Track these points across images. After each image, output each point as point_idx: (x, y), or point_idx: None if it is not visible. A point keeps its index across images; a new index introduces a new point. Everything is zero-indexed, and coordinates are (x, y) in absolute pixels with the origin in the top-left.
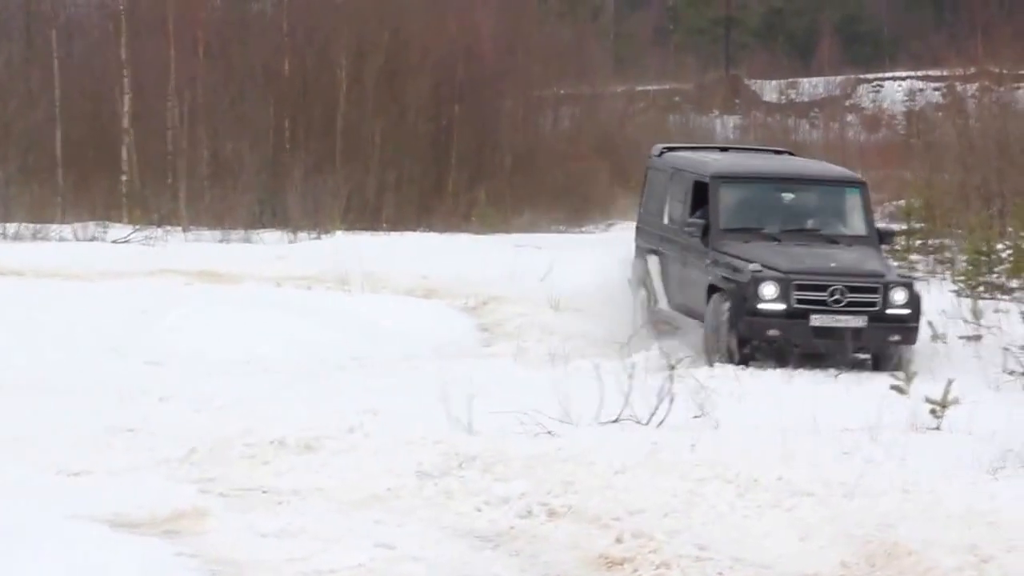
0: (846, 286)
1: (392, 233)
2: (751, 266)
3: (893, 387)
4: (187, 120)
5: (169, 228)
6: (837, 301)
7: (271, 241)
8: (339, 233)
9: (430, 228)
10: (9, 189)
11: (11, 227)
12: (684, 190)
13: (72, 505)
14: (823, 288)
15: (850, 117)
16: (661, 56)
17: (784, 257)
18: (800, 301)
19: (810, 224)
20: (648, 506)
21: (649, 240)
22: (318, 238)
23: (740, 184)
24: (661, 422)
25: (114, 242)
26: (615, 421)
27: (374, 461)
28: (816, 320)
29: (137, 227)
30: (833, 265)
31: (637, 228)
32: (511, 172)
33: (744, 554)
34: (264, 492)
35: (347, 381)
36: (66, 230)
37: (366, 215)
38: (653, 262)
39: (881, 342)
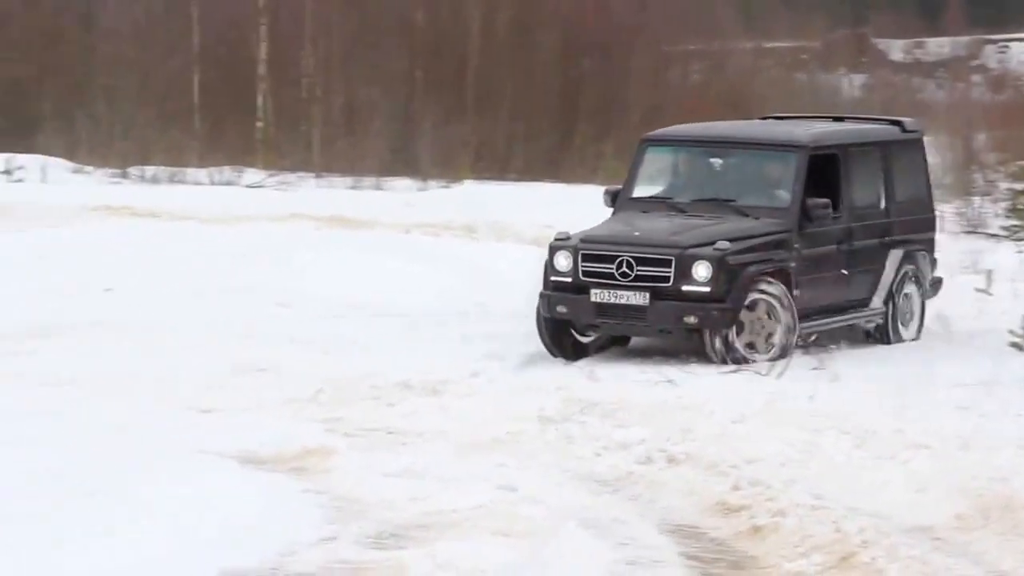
0: (633, 258)
1: (519, 183)
2: (557, 235)
3: (1011, 344)
4: (322, 68)
5: (302, 174)
6: (624, 275)
7: (401, 189)
8: (468, 182)
9: (557, 180)
10: (148, 133)
11: (149, 170)
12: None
13: (202, 441)
14: (610, 259)
15: (976, 78)
16: (789, 13)
17: (629, 227)
18: (586, 274)
19: (728, 194)
20: (765, 455)
21: None
22: (447, 187)
23: (666, 147)
24: (781, 373)
25: (248, 187)
26: (735, 371)
27: (496, 405)
28: (596, 295)
29: (271, 172)
30: (637, 235)
31: None
32: (639, 127)
33: (859, 504)
34: (388, 433)
35: (471, 327)
36: (201, 174)
37: (494, 165)
38: None
39: (672, 324)
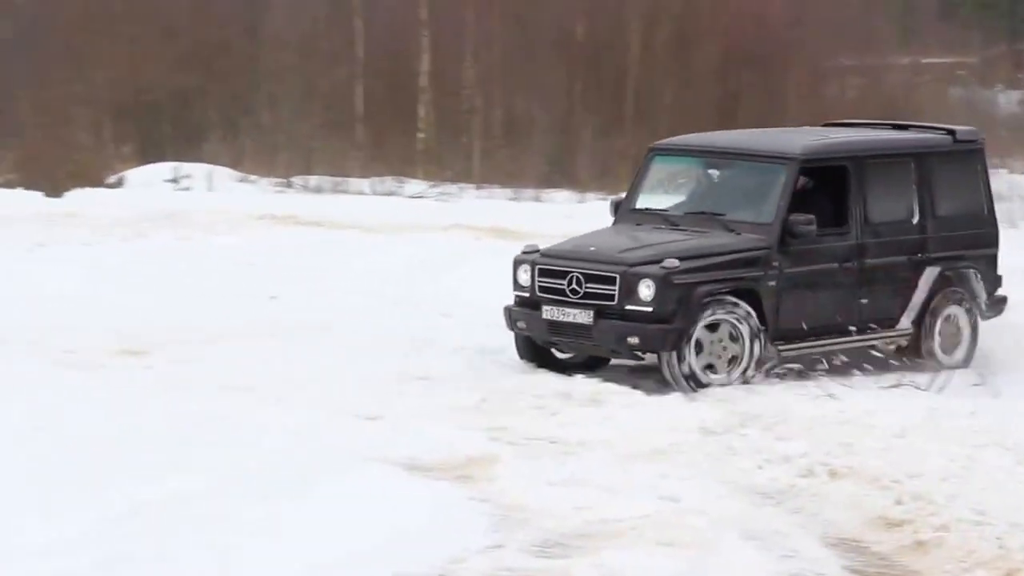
0: (582, 274)
1: None
2: (525, 247)
3: None
4: (482, 80)
5: (462, 185)
6: (574, 291)
7: (560, 200)
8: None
9: None
10: (311, 143)
11: (312, 179)
12: None
13: (369, 447)
14: (562, 275)
15: None
16: (946, 29)
17: (592, 242)
18: (542, 289)
19: (719, 208)
20: (927, 470)
21: None
22: (605, 199)
23: (673, 157)
24: (942, 388)
25: (411, 197)
26: (895, 386)
27: (657, 416)
28: (548, 312)
29: (432, 183)
30: (592, 250)
31: None
32: None
33: (1022, 520)
34: (551, 442)
35: None
36: (364, 184)
37: None
38: None
39: (616, 344)
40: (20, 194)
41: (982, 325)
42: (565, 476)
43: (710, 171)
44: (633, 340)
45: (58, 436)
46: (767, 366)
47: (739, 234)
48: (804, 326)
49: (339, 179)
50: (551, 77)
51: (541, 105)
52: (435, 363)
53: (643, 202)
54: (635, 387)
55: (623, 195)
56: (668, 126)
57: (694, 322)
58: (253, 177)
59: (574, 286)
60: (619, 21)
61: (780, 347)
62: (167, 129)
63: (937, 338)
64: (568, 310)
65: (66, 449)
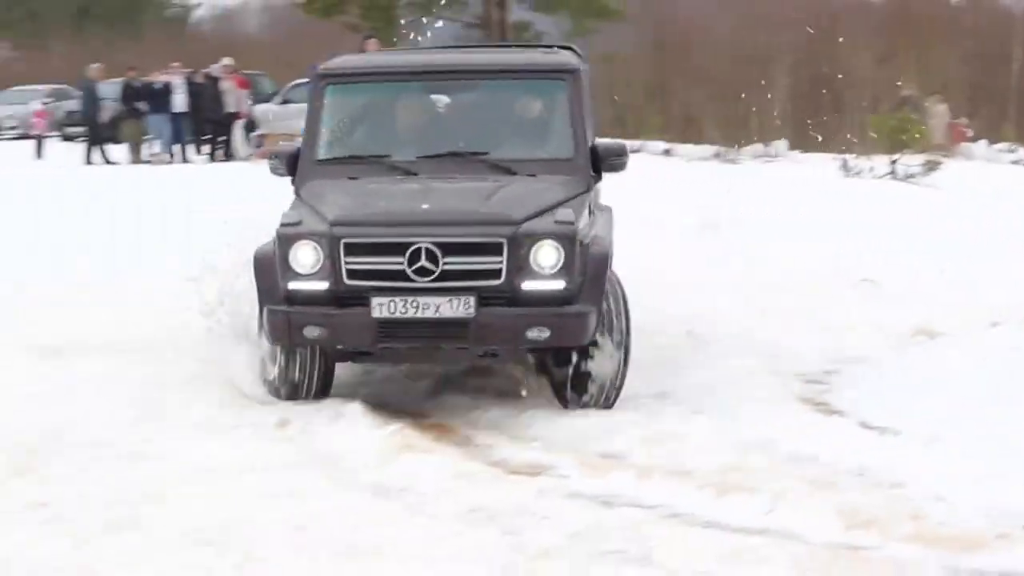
0: (437, 243)
1: None
2: (285, 216)
3: None
4: None
5: None
6: (423, 272)
7: None
8: None
9: None
10: None
11: None
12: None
13: None
14: (398, 248)
15: None
16: None
17: (358, 199)
18: (356, 274)
19: (472, 145)
20: None
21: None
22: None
23: (357, 85)
24: None
25: None
26: None
27: None
28: (379, 307)
29: None
30: (426, 207)
31: None
32: None
33: None
34: None
35: None
36: None
37: None
38: None
39: (511, 343)
40: None
41: None
42: None
43: (434, 98)
44: (540, 334)
45: None
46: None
47: (531, 176)
48: None
49: None
50: None
51: None
52: None
53: (328, 151)
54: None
55: (290, 145)
56: None
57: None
58: None
59: (423, 263)
60: None
61: None
62: None
63: None
64: (421, 299)
65: None
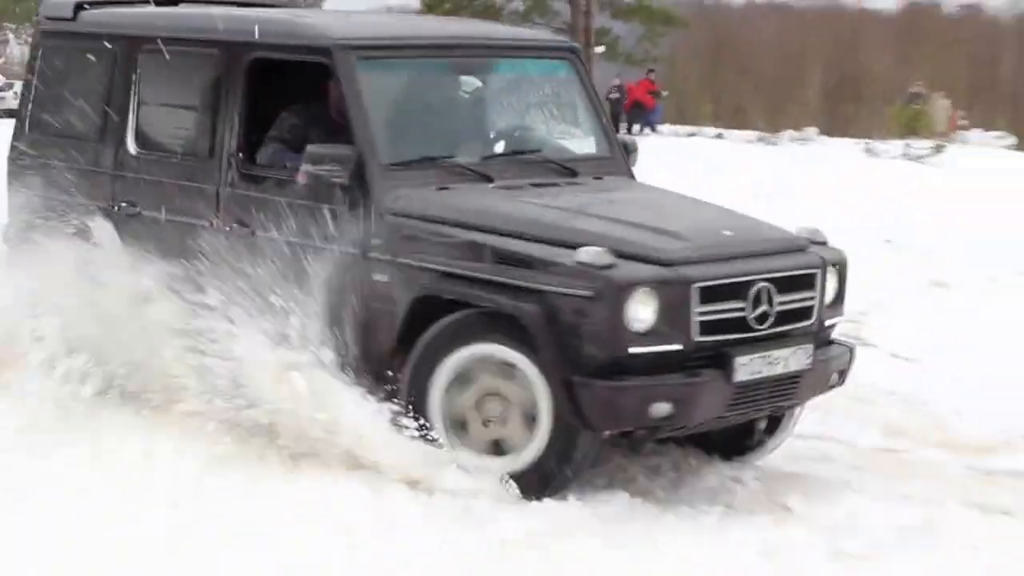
0: (772, 279)
1: None
2: (585, 253)
3: None
4: None
5: None
6: (762, 318)
7: None
8: None
9: None
10: None
11: None
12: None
13: None
14: (740, 290)
15: None
16: None
17: (594, 219)
18: (708, 327)
19: (522, 142)
20: None
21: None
22: None
23: (393, 61)
24: None
25: None
26: None
27: None
28: (744, 368)
29: None
30: (729, 234)
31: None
32: None
33: None
34: None
35: None
36: None
37: None
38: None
39: (821, 391)
40: None
41: None
42: None
43: (461, 82)
44: (838, 377)
45: None
46: None
47: (599, 179)
48: None
49: None
50: None
51: None
52: None
53: (398, 151)
54: None
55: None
56: None
57: None
58: None
59: (764, 306)
60: None
61: None
62: None
63: None
64: (774, 353)
65: None
